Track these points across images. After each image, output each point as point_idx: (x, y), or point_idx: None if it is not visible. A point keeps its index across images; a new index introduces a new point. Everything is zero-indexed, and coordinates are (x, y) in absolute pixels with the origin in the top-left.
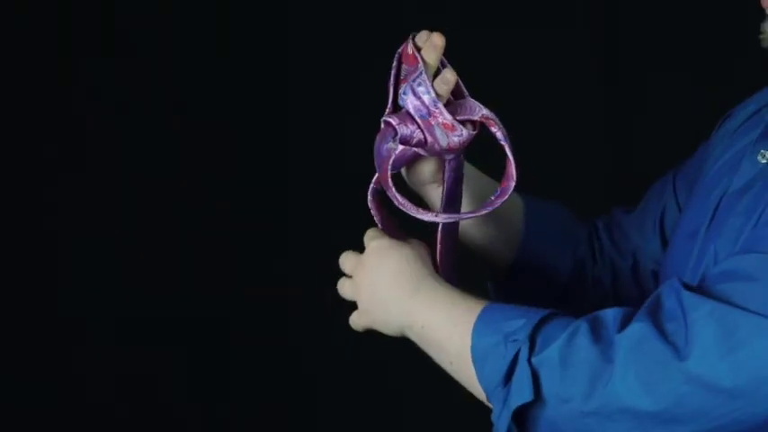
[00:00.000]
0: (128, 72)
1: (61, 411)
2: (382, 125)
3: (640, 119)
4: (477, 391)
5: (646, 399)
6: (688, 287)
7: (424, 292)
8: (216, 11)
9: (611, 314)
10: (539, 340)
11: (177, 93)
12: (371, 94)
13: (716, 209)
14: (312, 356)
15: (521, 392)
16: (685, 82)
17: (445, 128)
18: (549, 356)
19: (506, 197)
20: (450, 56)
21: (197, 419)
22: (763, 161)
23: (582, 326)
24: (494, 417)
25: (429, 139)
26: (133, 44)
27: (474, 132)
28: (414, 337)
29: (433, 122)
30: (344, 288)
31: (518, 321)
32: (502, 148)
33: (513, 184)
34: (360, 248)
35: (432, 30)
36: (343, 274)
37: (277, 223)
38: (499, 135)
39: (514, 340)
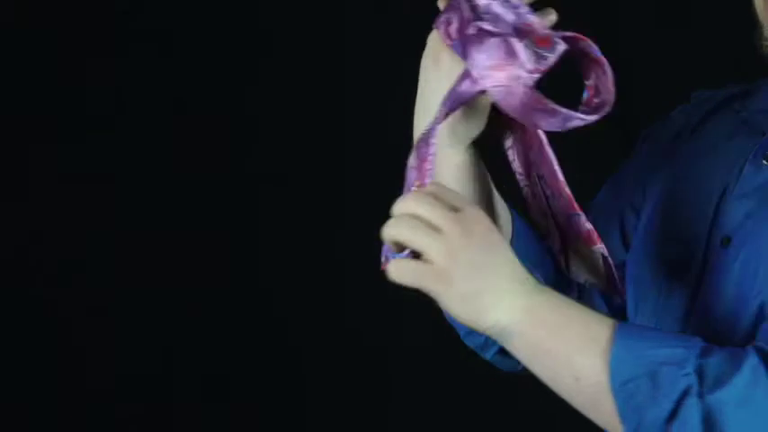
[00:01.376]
0: (127, 72)
1: (61, 411)
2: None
3: (640, 120)
4: (605, 420)
5: None
6: None
7: (549, 295)
8: (215, 11)
9: (753, 352)
10: (709, 375)
11: (177, 93)
12: (371, 94)
13: (716, 212)
14: (312, 356)
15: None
16: (685, 82)
17: (540, 43)
18: (728, 395)
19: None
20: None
21: (197, 419)
22: None
23: (751, 359)
24: None
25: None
26: (133, 44)
27: (566, 48)
28: (516, 340)
29: (523, 38)
30: (426, 241)
31: (676, 351)
32: (597, 62)
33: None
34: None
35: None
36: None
37: (277, 223)
38: (594, 50)
39: (686, 374)
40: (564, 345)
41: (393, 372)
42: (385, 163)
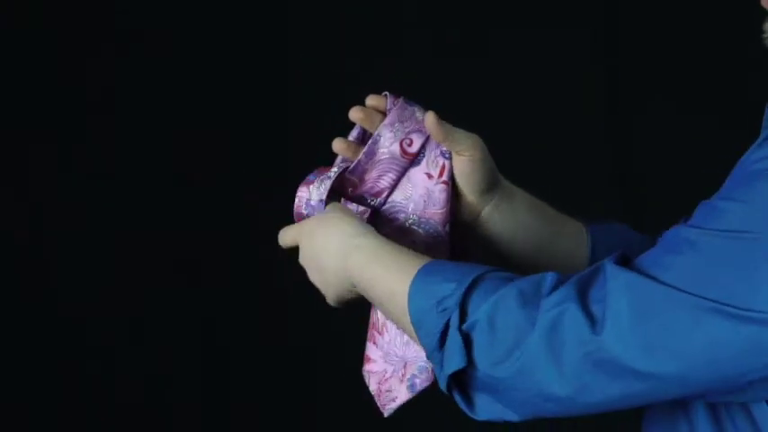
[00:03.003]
0: (127, 72)
1: (61, 411)
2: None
3: (640, 119)
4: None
5: (555, 382)
6: (625, 258)
7: (365, 247)
8: (215, 11)
9: (549, 277)
10: (469, 306)
11: (177, 93)
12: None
13: None
14: (312, 356)
15: (453, 359)
16: (685, 82)
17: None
18: (477, 321)
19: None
20: (451, 59)
21: (197, 419)
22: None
23: (512, 288)
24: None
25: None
26: (133, 44)
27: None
28: (363, 293)
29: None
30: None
31: (450, 285)
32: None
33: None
34: None
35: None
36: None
37: (277, 223)
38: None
39: (444, 309)
40: (380, 289)
41: None
42: None
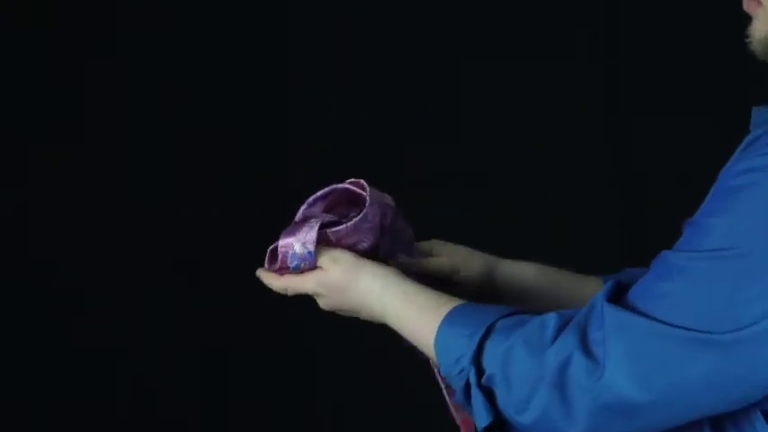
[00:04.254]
0: (127, 72)
1: (61, 411)
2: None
3: (640, 119)
4: None
5: (572, 428)
6: (617, 293)
7: (392, 289)
8: (215, 11)
9: (551, 322)
10: (484, 360)
11: (177, 92)
12: (369, 94)
13: None
14: (312, 356)
15: (481, 416)
16: (685, 82)
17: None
18: (494, 375)
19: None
20: (451, 59)
21: (197, 419)
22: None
23: (519, 337)
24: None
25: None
26: (133, 44)
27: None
28: (387, 319)
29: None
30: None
31: (464, 341)
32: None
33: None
34: None
35: None
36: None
37: (277, 223)
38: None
39: (461, 370)
40: (412, 319)
41: (395, 371)
42: (384, 164)
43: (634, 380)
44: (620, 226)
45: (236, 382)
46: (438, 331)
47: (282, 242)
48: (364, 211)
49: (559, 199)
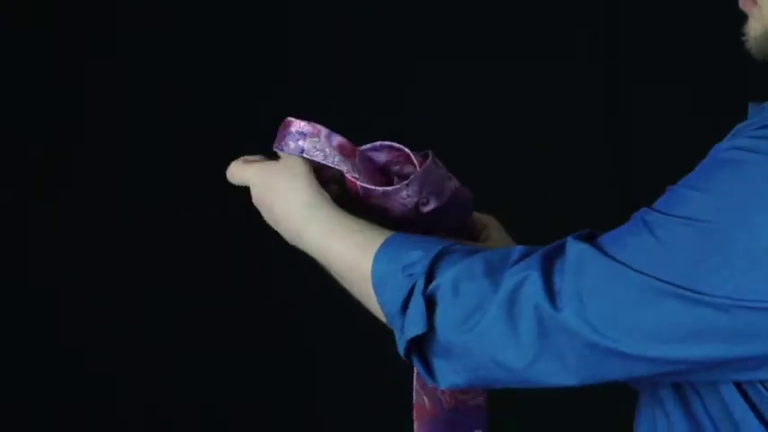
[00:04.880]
0: (127, 72)
1: (61, 411)
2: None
3: (640, 119)
4: (381, 316)
5: (511, 349)
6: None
7: (321, 220)
8: (215, 11)
9: (517, 249)
10: (436, 272)
11: (177, 92)
12: (369, 93)
13: None
14: (312, 356)
15: (415, 323)
16: (685, 82)
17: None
18: (441, 284)
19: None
20: (451, 58)
21: (197, 419)
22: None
23: (479, 257)
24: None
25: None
26: (133, 44)
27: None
28: (309, 246)
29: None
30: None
31: (417, 252)
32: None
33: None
34: None
35: None
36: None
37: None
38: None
39: (410, 274)
40: (340, 258)
41: (394, 371)
42: None
43: (588, 314)
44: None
45: (236, 382)
46: (384, 243)
47: (299, 124)
48: (405, 183)
49: (559, 199)
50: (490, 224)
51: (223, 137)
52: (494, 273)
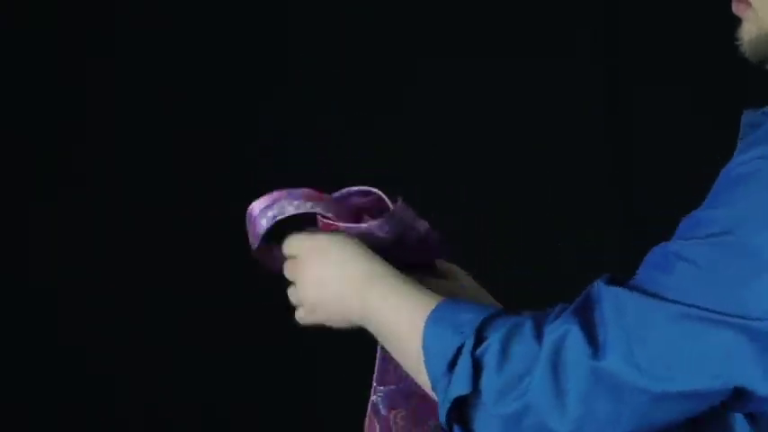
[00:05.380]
0: (127, 72)
1: (61, 411)
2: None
3: (640, 119)
4: (429, 386)
5: (556, 412)
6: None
7: (377, 282)
8: (215, 11)
9: (558, 307)
10: (486, 332)
11: (177, 92)
12: (369, 93)
13: None
14: (312, 356)
15: (460, 383)
16: (685, 82)
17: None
18: (490, 345)
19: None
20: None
21: (197, 419)
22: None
23: (528, 318)
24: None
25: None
26: (133, 44)
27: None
28: (371, 329)
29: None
30: (291, 296)
31: (467, 315)
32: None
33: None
34: None
35: None
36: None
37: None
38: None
39: (461, 332)
40: (394, 327)
41: None
42: (385, 163)
43: (635, 361)
44: (620, 226)
45: (236, 382)
46: (439, 306)
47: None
48: (379, 219)
49: (559, 199)
50: (458, 274)
51: (223, 137)
52: (538, 333)
